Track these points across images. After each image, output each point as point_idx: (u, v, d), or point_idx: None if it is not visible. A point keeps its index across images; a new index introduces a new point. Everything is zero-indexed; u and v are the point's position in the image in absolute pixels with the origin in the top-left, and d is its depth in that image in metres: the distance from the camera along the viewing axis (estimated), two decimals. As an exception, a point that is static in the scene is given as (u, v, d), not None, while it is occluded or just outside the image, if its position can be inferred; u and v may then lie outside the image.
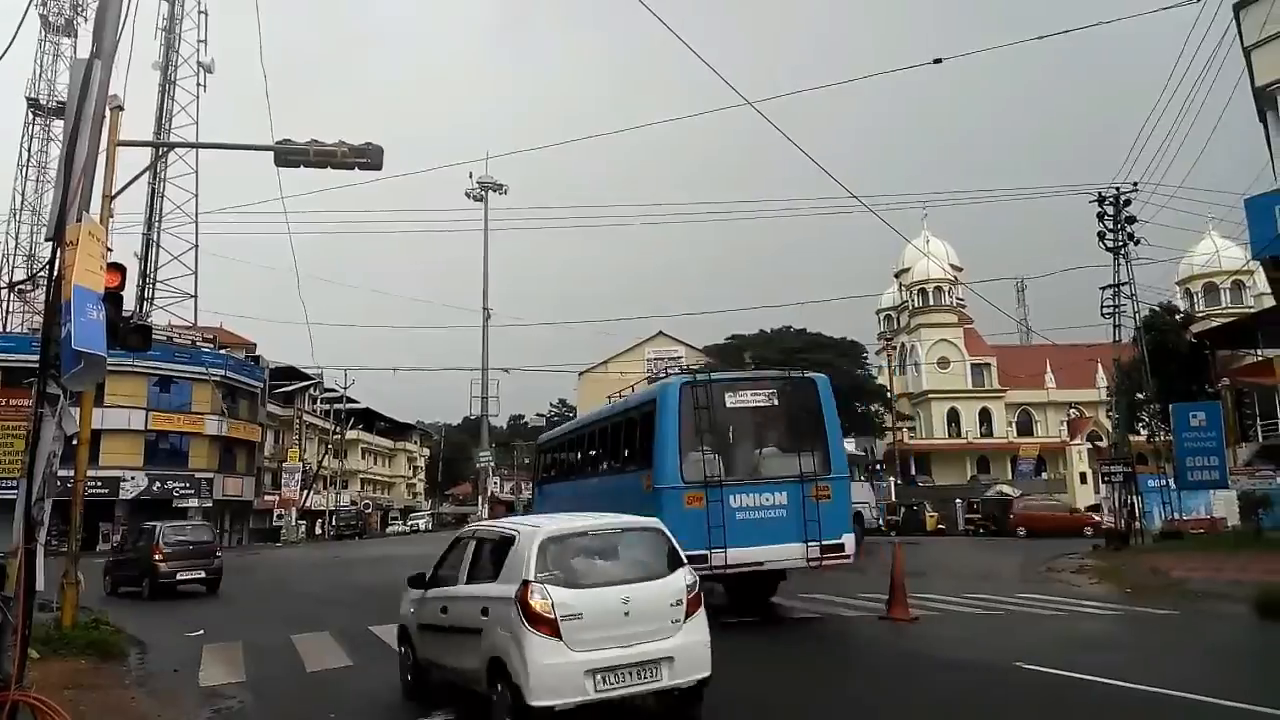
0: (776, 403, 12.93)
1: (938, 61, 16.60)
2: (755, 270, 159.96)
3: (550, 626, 6.10)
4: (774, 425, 13.01)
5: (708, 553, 11.34)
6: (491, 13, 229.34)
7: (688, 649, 6.47)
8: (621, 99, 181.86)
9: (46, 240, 7.04)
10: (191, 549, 19.86)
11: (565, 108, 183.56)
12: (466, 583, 7.40)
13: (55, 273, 6.63)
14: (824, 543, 11.96)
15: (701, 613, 6.72)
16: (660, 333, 69.33)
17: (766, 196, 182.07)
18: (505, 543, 7.02)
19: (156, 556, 18.81)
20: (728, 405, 12.61)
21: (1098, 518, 31.82)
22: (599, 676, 6.13)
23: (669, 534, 7.19)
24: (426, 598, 7.97)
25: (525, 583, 6.27)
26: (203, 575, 19.60)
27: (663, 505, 11.45)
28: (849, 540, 12.45)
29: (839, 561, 12.40)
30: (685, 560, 7.00)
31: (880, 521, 35.32)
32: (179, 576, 19.11)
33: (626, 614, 6.34)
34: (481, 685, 6.65)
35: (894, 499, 51.33)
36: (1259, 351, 32.98)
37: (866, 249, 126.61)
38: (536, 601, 6.15)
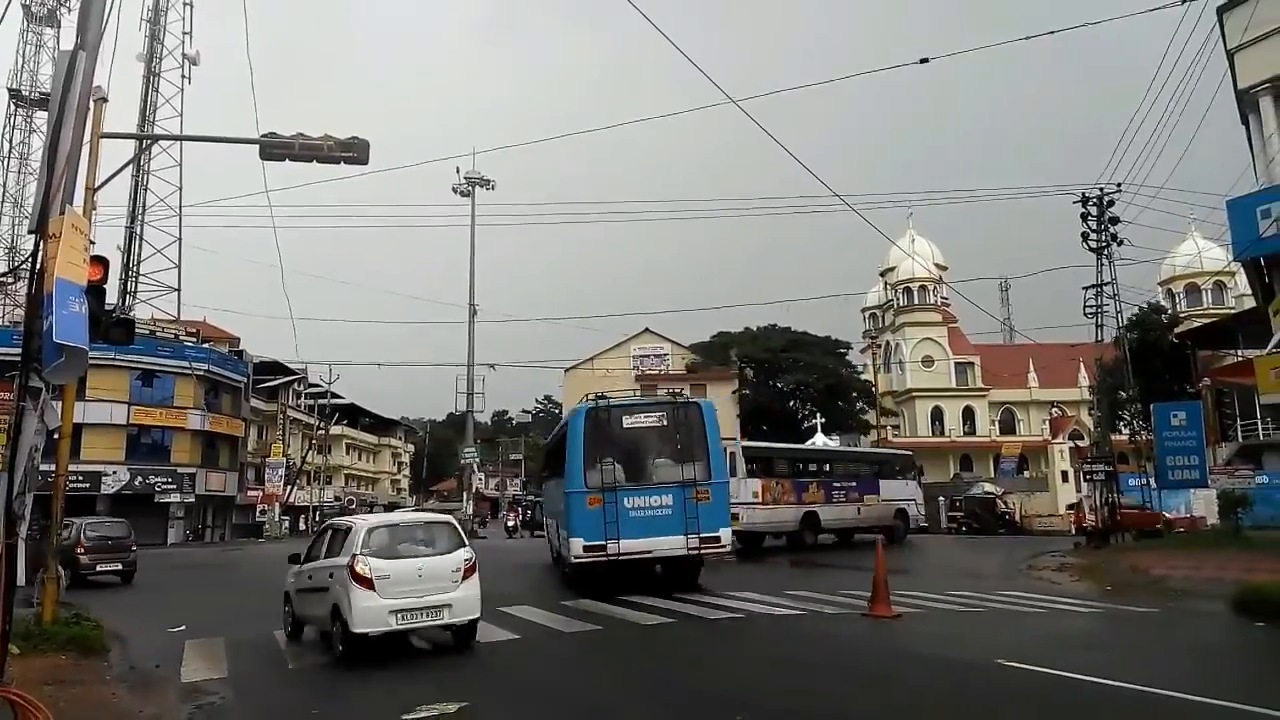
0: (665, 423, 15.79)
1: (924, 61, 16.66)
2: (743, 268, 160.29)
3: (368, 584, 9.34)
4: (664, 441, 15.66)
5: (605, 543, 14.48)
6: (483, 9, 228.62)
7: (463, 600, 9.85)
8: (612, 97, 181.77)
9: (29, 233, 6.99)
10: (110, 544, 21.91)
11: (555, 105, 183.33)
12: (324, 558, 10.54)
13: (38, 265, 6.59)
14: (702, 535, 14.71)
15: (475, 577, 10.07)
16: (646, 330, 69.36)
17: (755, 194, 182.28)
18: (346, 530, 10.38)
19: (79, 550, 20.78)
20: (624, 426, 15.67)
21: (1171, 516, 31.23)
22: (399, 615, 9.43)
23: (457, 525, 10.84)
24: (300, 570, 11.23)
25: (354, 556, 9.54)
26: (119, 568, 21.63)
27: (570, 505, 15.10)
28: (725, 533, 15.20)
29: (716, 551, 15.37)
30: (467, 543, 10.47)
31: (922, 519, 34.11)
32: (98, 569, 21.25)
33: (420, 576, 9.69)
34: (328, 624, 9.99)
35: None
36: (1239, 352, 33.27)
37: (854, 247, 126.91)
38: (359, 568, 9.41)
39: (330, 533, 11.08)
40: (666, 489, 15.01)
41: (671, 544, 14.82)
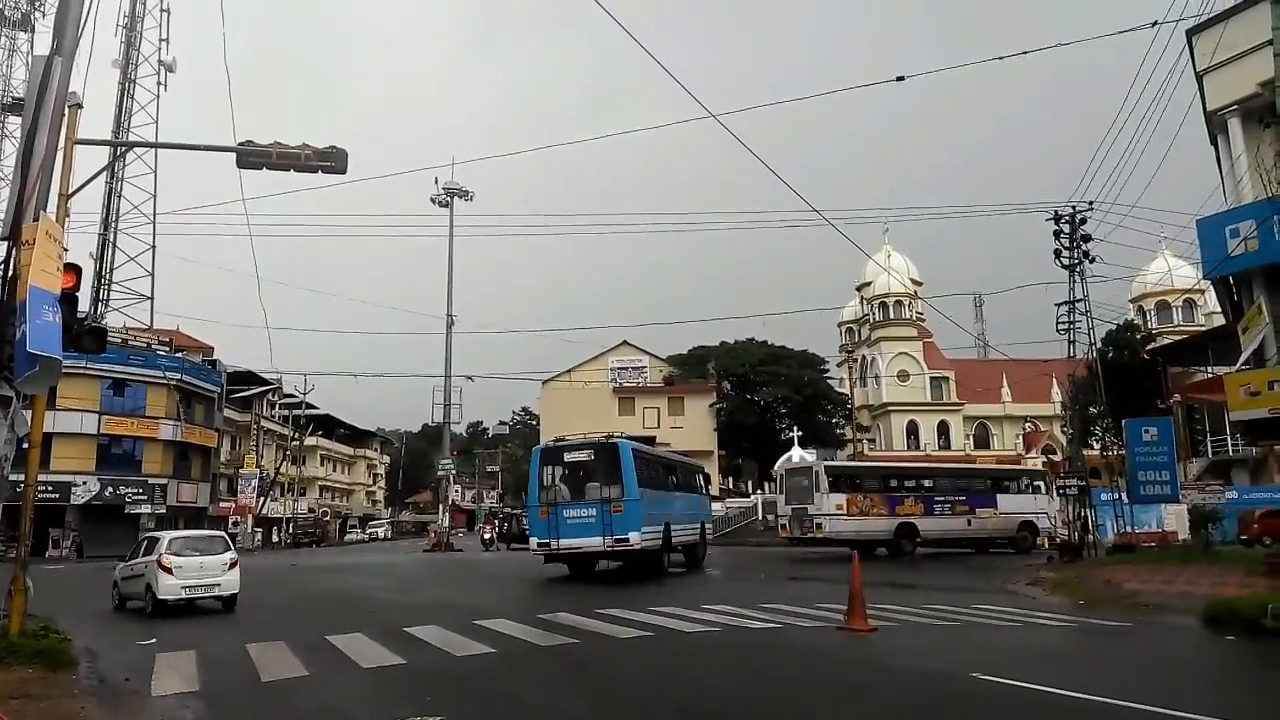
0: (593, 457, 21.45)
1: (900, 79, 16.87)
2: (721, 282, 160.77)
3: (168, 571, 15.38)
4: (592, 470, 21.23)
5: (550, 540, 20.81)
6: (468, 20, 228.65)
7: (230, 582, 16.13)
8: (596, 111, 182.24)
9: (2, 240, 6.90)
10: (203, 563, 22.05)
11: (538, 117, 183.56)
12: (141, 556, 16.41)
13: (11, 272, 6.51)
14: (615, 537, 20.23)
15: (238, 569, 16.48)
16: (624, 342, 69.39)
17: (734, 209, 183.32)
18: (156, 540, 16.45)
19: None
20: (566, 459, 21.67)
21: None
22: (187, 589, 15.50)
23: (227, 538, 18.01)
24: (126, 564, 17.08)
25: (160, 555, 15.55)
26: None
27: (531, 515, 23.05)
28: (634, 536, 20.27)
29: (626, 549, 20.48)
30: (232, 548, 17.15)
31: (1054, 530, 34.56)
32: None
33: (201, 567, 15.86)
34: (143, 596, 15.84)
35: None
36: (1209, 369, 33.74)
37: (832, 261, 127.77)
38: (164, 561, 15.46)
39: (146, 541, 17.25)
40: (591, 504, 20.68)
41: (594, 543, 20.50)
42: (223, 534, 19.04)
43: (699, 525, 26.45)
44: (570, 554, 21.06)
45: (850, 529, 28.86)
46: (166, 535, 16.59)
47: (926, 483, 32.08)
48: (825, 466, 31.70)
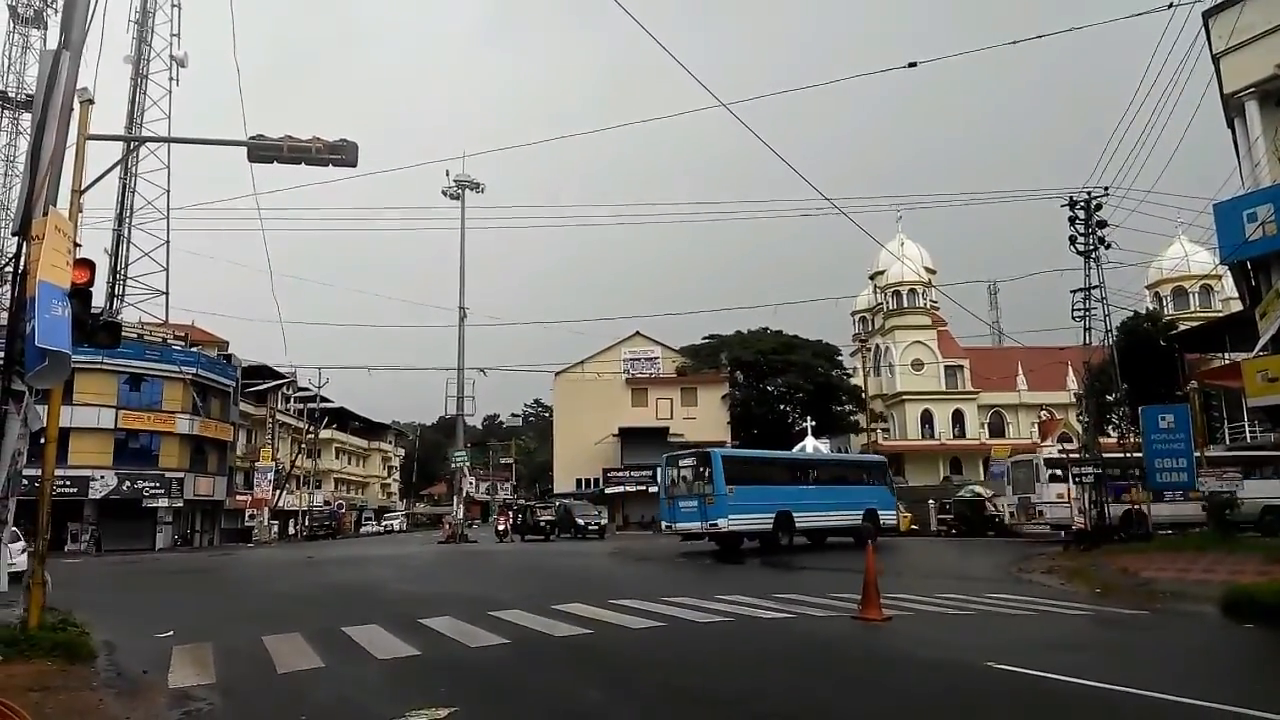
0: (696, 461, 28.22)
1: (912, 65, 16.74)
2: (733, 271, 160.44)
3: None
4: (697, 471, 27.79)
5: (670, 524, 28.67)
6: (481, 10, 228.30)
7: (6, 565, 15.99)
8: (609, 100, 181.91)
9: (13, 235, 6.93)
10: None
11: (551, 108, 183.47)
12: None
13: (20, 267, 6.53)
14: (708, 521, 26.37)
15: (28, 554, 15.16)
16: (637, 333, 69.44)
17: (747, 198, 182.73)
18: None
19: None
20: (680, 463, 28.96)
21: None
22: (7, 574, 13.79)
23: (17, 530, 16.27)
24: None
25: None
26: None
27: (660, 504, 31.10)
28: (722, 521, 26.10)
29: (715, 531, 26.49)
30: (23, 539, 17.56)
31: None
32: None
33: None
34: None
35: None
36: (1226, 355, 33.45)
37: (845, 249, 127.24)
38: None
39: None
40: (694, 497, 27.28)
41: (695, 526, 27.21)
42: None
43: (857, 511, 31.09)
44: (688, 533, 28.17)
45: (1069, 518, 29.22)
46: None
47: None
48: (1044, 459, 33.38)
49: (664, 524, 29.53)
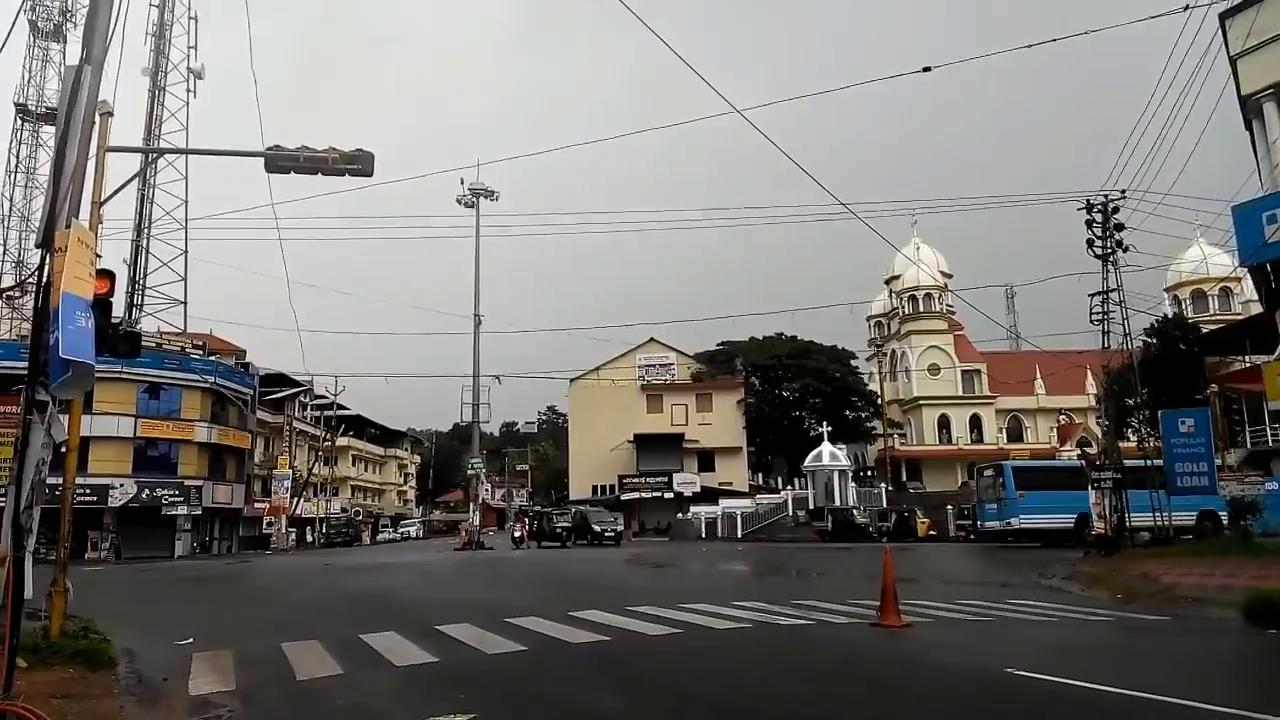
0: (993, 472, 35.64)
1: (927, 70, 16.70)
2: (749, 277, 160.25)
3: None
4: (991, 481, 35.53)
5: (982, 523, 36.94)
6: (507, 19, 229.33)
7: None
8: (632, 106, 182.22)
9: (36, 247, 7.02)
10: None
11: (572, 113, 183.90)
12: None
13: (44, 279, 6.61)
14: (1003, 521, 33.18)
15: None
16: (652, 339, 69.38)
17: (762, 203, 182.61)
18: None
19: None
20: (983, 474, 37.62)
21: None
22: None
23: None
24: None
25: None
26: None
27: (978, 508, 38.32)
28: (1014, 520, 32.55)
29: (1009, 528, 32.96)
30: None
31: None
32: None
33: None
34: None
35: (885, 505, 51.63)
36: (1247, 358, 33.16)
37: (862, 253, 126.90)
38: None
39: None
40: (991, 502, 34.45)
41: (996, 525, 33.60)
42: None
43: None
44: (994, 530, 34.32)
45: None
46: None
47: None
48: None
49: (978, 523, 37.26)
